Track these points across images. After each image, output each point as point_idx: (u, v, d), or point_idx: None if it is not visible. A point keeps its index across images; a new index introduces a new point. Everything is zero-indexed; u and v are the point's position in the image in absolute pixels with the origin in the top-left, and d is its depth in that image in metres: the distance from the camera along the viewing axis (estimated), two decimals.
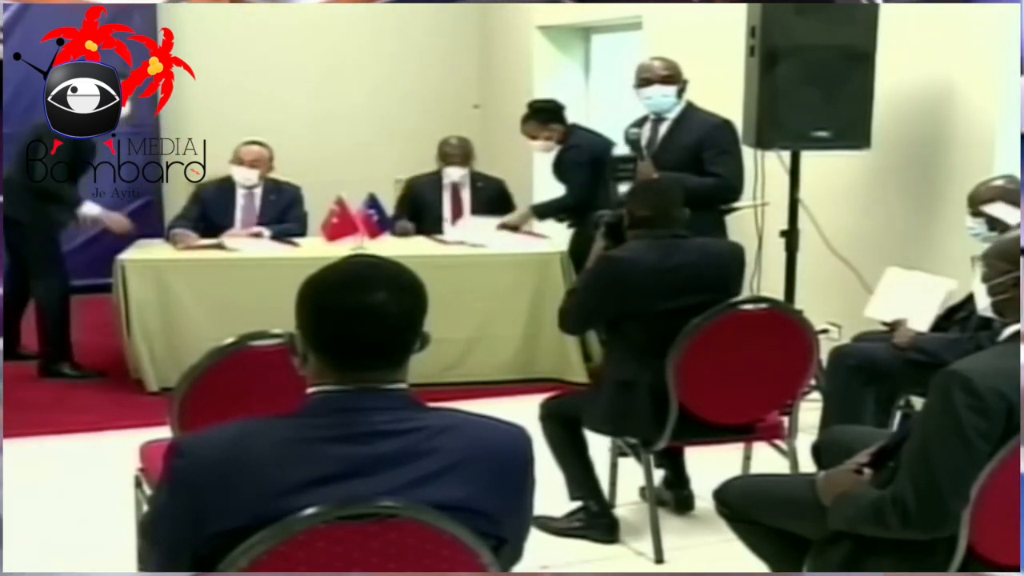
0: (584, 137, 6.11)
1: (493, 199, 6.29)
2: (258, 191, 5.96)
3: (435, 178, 6.30)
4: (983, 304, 2.71)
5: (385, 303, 1.78)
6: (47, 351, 5.66)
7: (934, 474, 2.31)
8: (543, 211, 6.23)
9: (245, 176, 5.89)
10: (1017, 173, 4.00)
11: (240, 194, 5.94)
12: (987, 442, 2.28)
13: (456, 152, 6.25)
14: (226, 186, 5.92)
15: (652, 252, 3.62)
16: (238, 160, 5.88)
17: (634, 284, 3.58)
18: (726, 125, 5.04)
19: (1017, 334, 2.46)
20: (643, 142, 5.13)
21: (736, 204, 5.15)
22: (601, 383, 3.79)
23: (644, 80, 5.10)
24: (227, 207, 5.92)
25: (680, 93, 5.10)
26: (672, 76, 5.08)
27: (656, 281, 3.58)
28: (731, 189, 5.04)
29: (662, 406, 3.60)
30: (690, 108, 5.13)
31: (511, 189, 6.46)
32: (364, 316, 1.77)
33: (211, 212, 5.90)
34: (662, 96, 5.07)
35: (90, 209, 5.59)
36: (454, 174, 6.24)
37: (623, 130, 5.31)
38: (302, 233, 5.95)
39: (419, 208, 6.27)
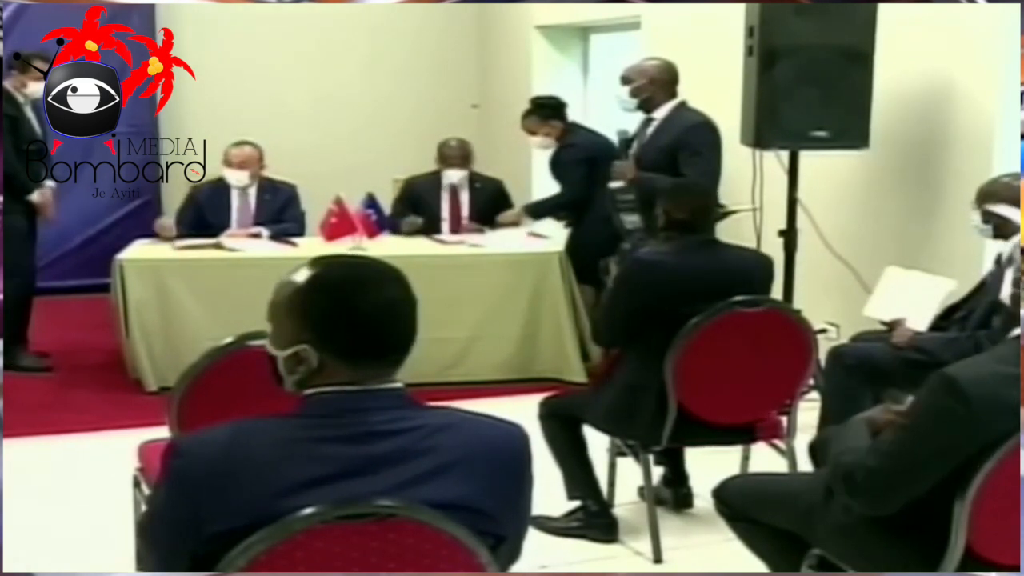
0: (583, 136, 6.11)
1: (491, 200, 6.28)
2: (252, 191, 5.96)
3: (434, 179, 6.28)
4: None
5: (400, 300, 1.80)
6: None
7: (895, 462, 2.32)
8: (537, 210, 6.25)
9: (236, 178, 5.89)
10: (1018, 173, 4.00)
11: (234, 194, 5.94)
12: (962, 449, 2.28)
13: (455, 154, 6.23)
14: (220, 187, 5.92)
15: (675, 255, 3.62)
16: (227, 162, 5.88)
17: (656, 285, 3.58)
18: (702, 126, 4.96)
19: (1018, 338, 2.46)
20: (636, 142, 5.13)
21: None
22: (607, 383, 3.76)
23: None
24: (222, 207, 5.93)
25: (636, 94, 5.03)
26: (627, 78, 5.07)
27: (675, 285, 3.57)
28: None
29: (666, 409, 3.60)
30: (679, 108, 5.06)
31: (509, 188, 6.46)
32: (386, 314, 1.78)
33: (207, 213, 5.91)
34: (617, 96, 5.11)
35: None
36: (453, 176, 6.22)
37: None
38: (300, 233, 5.94)
39: (417, 208, 6.25)
